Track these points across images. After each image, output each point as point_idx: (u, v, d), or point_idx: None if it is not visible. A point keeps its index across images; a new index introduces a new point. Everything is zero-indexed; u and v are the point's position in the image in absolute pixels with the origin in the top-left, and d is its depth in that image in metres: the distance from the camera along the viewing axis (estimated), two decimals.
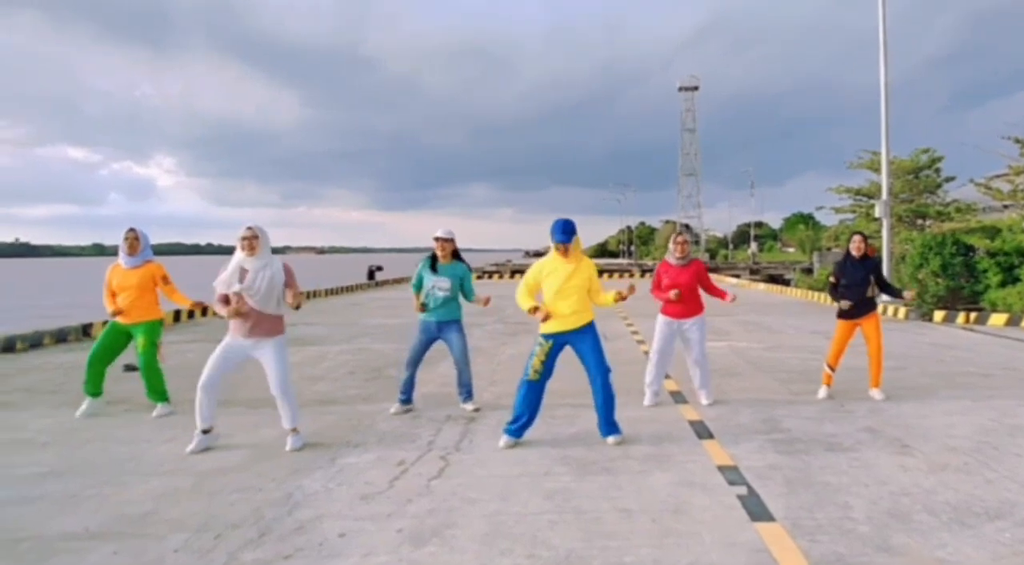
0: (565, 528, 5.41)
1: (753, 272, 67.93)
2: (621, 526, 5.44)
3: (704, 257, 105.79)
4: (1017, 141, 26.19)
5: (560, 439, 7.89)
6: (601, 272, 57.21)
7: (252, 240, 7.43)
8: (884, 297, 9.92)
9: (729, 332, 17.89)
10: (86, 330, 17.45)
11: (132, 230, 9.16)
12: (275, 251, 7.66)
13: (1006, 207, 30.01)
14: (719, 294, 9.55)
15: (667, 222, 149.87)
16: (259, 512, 5.81)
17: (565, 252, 7.63)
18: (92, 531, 5.49)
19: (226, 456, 7.37)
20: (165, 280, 9.29)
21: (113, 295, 9.19)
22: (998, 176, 29.77)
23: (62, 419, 9.00)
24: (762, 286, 42.19)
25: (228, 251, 7.66)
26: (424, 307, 9.15)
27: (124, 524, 5.62)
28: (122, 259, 9.14)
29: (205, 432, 7.60)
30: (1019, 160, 26.48)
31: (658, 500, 5.98)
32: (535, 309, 7.66)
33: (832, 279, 9.99)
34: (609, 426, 7.77)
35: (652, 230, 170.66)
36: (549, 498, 6.06)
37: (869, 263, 9.72)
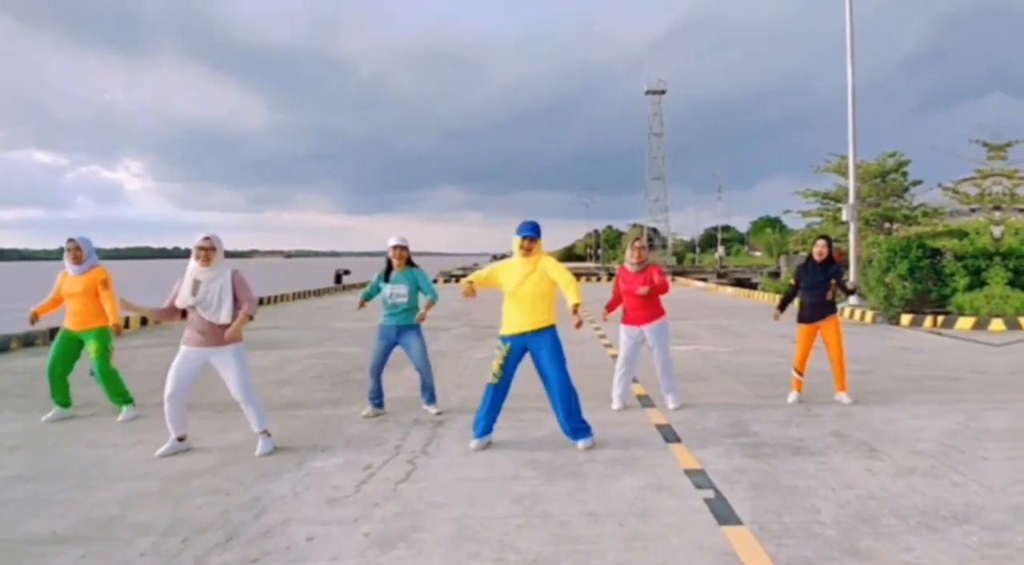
0: (532, 532, 5.41)
1: (720, 276, 68.16)
2: (588, 530, 5.44)
3: (671, 261, 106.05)
4: (984, 144, 26.33)
5: (527, 443, 7.90)
6: None
7: (208, 252, 7.37)
8: (852, 300, 9.92)
9: (696, 336, 17.95)
10: (53, 334, 17.24)
11: (71, 240, 9.06)
12: (241, 255, 7.65)
13: (973, 211, 30.16)
14: (661, 287, 9.39)
15: (634, 226, 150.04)
16: (226, 516, 5.79)
17: (529, 250, 7.63)
18: (60, 535, 5.47)
19: (193, 460, 7.34)
20: (104, 284, 9.16)
21: (58, 301, 9.22)
22: (966, 180, 29.90)
23: (30, 423, 8.97)
24: (729, 290, 42.29)
25: None
26: (364, 303, 9.35)
27: (92, 528, 5.59)
28: (69, 267, 9.10)
29: (180, 440, 7.60)
30: (987, 164, 26.61)
31: (625, 504, 5.99)
32: (469, 284, 7.73)
33: (792, 281, 10.06)
34: (576, 431, 7.73)
35: (619, 234, 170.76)
36: (516, 502, 6.06)
37: (831, 268, 9.75)
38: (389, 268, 9.26)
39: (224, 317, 7.42)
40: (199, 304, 7.32)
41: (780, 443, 7.81)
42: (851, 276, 24.39)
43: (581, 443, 7.67)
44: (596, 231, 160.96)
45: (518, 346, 7.67)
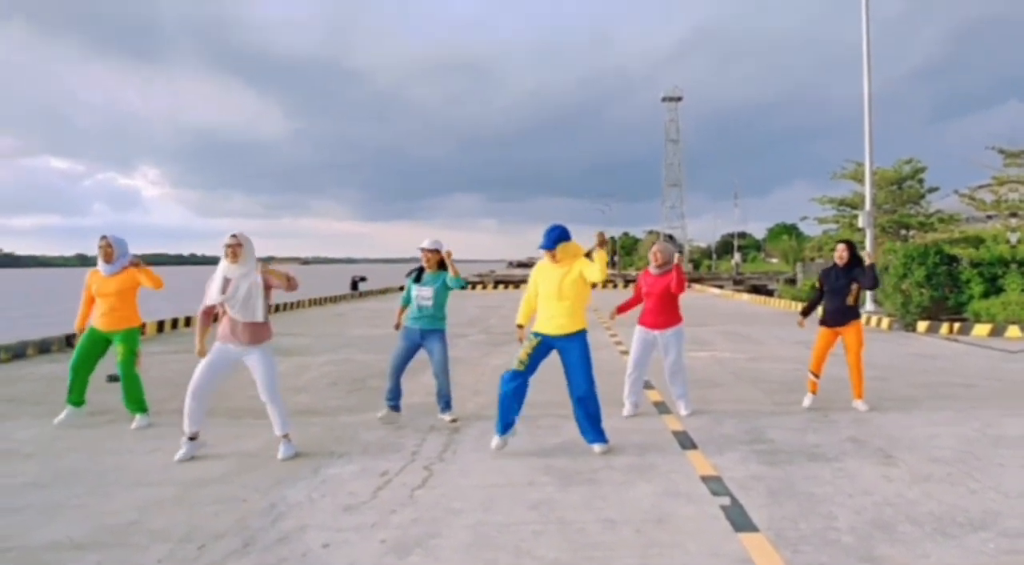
0: (549, 538, 5.40)
1: (736, 282, 67.85)
2: (605, 536, 5.43)
3: (688, 267, 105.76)
4: (1001, 151, 26.25)
5: (544, 449, 7.89)
6: None
7: (236, 248, 7.47)
8: (868, 306, 9.88)
9: (712, 342, 17.93)
10: (69, 340, 17.20)
11: (104, 237, 9.10)
12: (258, 261, 7.65)
13: (989, 218, 30.08)
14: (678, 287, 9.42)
15: (650, 233, 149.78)
16: (243, 522, 5.79)
17: (553, 258, 7.66)
18: (76, 541, 5.47)
19: (209, 466, 7.34)
20: (147, 275, 9.20)
21: (91, 301, 9.19)
22: (982, 187, 29.82)
23: (46, 429, 8.96)
24: (745, 297, 42.20)
25: (212, 261, 7.69)
26: (398, 327, 9.33)
27: (108, 534, 5.59)
28: (101, 267, 9.14)
29: (192, 439, 7.60)
30: (1003, 170, 26.54)
31: (642, 510, 5.98)
32: (521, 327, 7.86)
33: (816, 285, 10.03)
34: (596, 434, 7.77)
35: (636, 240, 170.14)
36: (533, 508, 6.06)
37: (854, 271, 9.68)
38: (421, 271, 9.28)
39: (259, 316, 7.57)
40: (227, 301, 7.43)
41: (796, 449, 7.79)
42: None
43: (598, 447, 7.70)
44: (612, 238, 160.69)
45: (547, 345, 7.71)
